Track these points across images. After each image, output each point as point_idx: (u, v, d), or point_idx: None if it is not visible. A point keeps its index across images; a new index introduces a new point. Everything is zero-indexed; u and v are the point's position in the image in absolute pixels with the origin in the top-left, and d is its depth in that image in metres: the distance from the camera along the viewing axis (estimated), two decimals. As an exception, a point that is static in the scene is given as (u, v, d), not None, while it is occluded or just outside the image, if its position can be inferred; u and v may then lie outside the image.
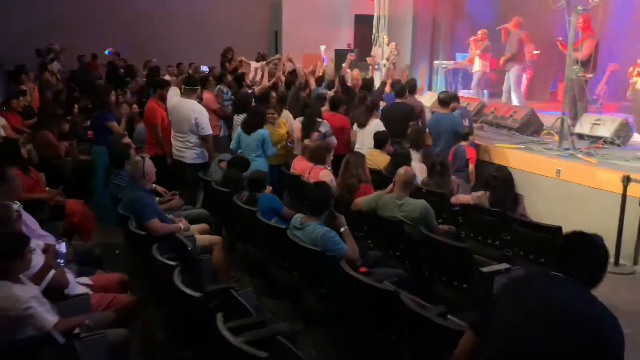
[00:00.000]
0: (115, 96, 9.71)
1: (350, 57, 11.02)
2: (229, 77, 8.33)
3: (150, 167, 4.46)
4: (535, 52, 11.75)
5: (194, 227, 4.64)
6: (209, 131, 6.07)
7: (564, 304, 2.07)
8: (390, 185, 4.57)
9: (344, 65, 10.46)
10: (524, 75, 11.14)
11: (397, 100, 7.09)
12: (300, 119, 6.46)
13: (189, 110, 6.02)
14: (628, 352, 3.94)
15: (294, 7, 16.49)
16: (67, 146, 6.94)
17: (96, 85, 9.11)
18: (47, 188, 5.16)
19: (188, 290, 2.90)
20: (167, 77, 12.34)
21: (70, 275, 3.30)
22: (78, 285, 3.37)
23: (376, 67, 13.21)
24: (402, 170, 4.52)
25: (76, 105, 8.84)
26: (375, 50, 14.15)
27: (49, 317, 2.69)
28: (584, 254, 2.24)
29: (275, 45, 17.52)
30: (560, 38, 8.09)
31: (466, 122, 6.85)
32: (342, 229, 3.81)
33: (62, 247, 3.27)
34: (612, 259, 5.61)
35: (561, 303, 2.08)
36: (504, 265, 3.94)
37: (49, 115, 7.78)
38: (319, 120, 6.37)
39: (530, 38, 11.14)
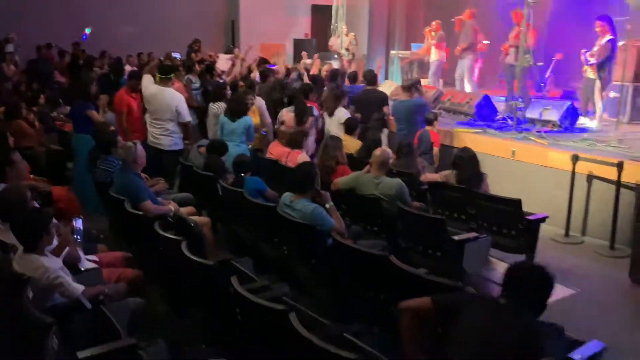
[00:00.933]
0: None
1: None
2: (197, 67, 8.53)
3: (141, 152, 4.69)
4: (485, 42, 12.35)
5: (182, 209, 4.89)
6: (189, 118, 6.30)
7: (493, 334, 2.33)
8: (367, 167, 4.95)
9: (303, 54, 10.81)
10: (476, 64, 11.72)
11: (369, 87, 7.49)
12: (291, 108, 6.72)
13: (170, 97, 6.21)
14: (578, 308, 4.51)
15: (250, -2, 16.63)
16: (42, 135, 7.01)
17: (79, 76, 9.16)
18: (32, 176, 5.29)
19: (201, 260, 3.19)
20: (127, 67, 12.41)
21: (80, 252, 3.52)
22: (86, 261, 3.60)
23: (335, 56, 13.61)
24: (378, 151, 4.90)
25: (42, 96, 8.82)
26: (334, 41, 14.50)
27: (76, 285, 2.94)
28: (528, 284, 2.40)
29: (233, 35, 17.61)
30: None
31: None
32: (327, 205, 4.16)
33: (79, 224, 3.48)
34: (563, 231, 6.20)
35: (491, 333, 2.34)
36: (472, 234, 4.41)
37: (16, 105, 7.77)
38: (308, 106, 6.71)
39: (479, 28, 11.75)
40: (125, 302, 3.03)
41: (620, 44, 9.04)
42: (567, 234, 6.18)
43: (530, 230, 4.81)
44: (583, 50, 8.08)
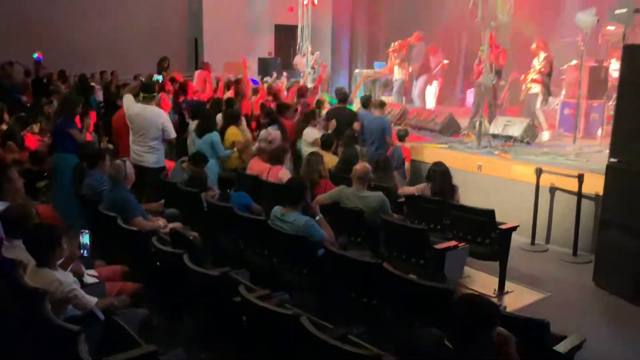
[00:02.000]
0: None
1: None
2: (169, 86, 8.64)
3: (130, 169, 4.79)
4: (445, 61, 12.87)
5: (171, 225, 4.99)
6: (174, 134, 6.41)
7: None
8: None
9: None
10: (435, 83, 12.22)
11: (339, 105, 7.77)
12: (276, 126, 6.91)
13: (155, 115, 6.30)
14: (549, 310, 4.82)
15: (215, 16, 16.77)
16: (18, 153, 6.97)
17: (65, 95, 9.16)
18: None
19: (206, 271, 3.34)
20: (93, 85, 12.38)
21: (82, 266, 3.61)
22: (87, 276, 3.68)
23: (300, 75, 13.90)
24: (358, 166, 5.15)
25: (6, 115, 8.73)
26: (299, 59, 14.80)
27: (90, 297, 3.04)
28: (466, 319, 2.38)
29: (196, 52, 17.70)
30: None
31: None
32: (317, 217, 4.37)
33: (86, 239, 3.56)
34: (529, 240, 6.57)
35: None
36: (453, 243, 4.69)
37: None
38: (274, 127, 6.92)
39: (437, 49, 12.30)
40: (134, 312, 3.14)
41: (573, 63, 9.68)
42: (533, 243, 6.55)
43: (503, 238, 5.13)
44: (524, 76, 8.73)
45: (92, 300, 3.05)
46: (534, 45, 8.51)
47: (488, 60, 8.82)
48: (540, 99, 8.72)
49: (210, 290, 3.42)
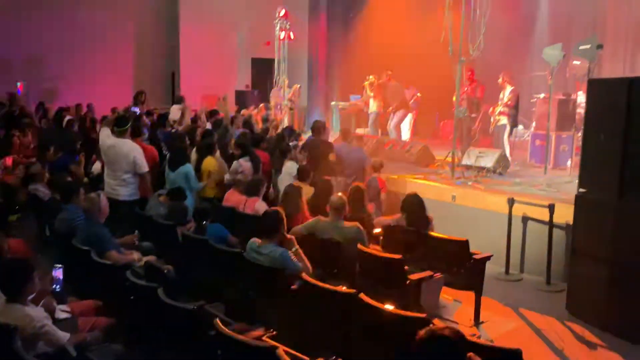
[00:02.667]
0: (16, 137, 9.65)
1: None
2: (145, 119, 8.66)
3: (104, 202, 4.77)
4: (418, 94, 13.13)
5: (145, 258, 4.95)
6: (146, 168, 6.39)
7: None
8: None
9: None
10: (410, 115, 12.44)
11: (317, 137, 7.86)
12: (247, 158, 6.94)
13: (127, 149, 6.30)
14: (523, 339, 4.88)
15: (192, 50, 16.92)
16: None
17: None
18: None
19: (181, 305, 3.32)
20: (67, 117, 12.31)
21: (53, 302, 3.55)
22: (59, 311, 3.62)
23: (277, 107, 14.03)
24: (334, 197, 5.20)
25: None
26: (275, 92, 14.97)
27: (62, 333, 2.99)
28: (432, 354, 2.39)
29: (172, 86, 17.79)
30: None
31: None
32: (293, 249, 4.38)
33: (59, 273, 3.51)
34: (503, 269, 6.65)
35: None
36: (428, 273, 4.73)
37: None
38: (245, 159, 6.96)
39: (410, 83, 12.61)
40: (108, 348, 3.09)
41: (541, 96, 9.97)
42: (507, 272, 6.63)
43: (477, 268, 5.19)
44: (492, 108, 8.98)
45: (64, 336, 3.00)
46: (500, 79, 8.78)
47: (461, 94, 9.08)
48: (507, 130, 8.94)
49: (185, 324, 3.39)
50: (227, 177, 6.94)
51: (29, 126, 11.08)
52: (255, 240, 4.42)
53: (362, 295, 3.59)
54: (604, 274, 5.18)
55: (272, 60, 17.62)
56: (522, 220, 6.72)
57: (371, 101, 12.52)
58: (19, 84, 13.78)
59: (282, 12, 14.07)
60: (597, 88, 5.29)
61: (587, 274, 5.35)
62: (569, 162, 8.76)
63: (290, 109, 13.40)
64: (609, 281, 5.16)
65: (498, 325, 5.22)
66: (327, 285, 3.87)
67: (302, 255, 4.39)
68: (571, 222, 6.15)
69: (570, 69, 9.19)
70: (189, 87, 16.91)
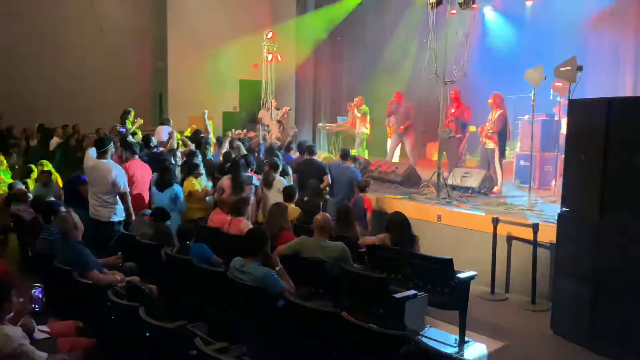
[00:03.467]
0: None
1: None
2: (132, 138, 8.65)
3: (77, 218, 4.73)
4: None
5: (128, 279, 4.90)
6: (126, 189, 6.36)
7: None
8: None
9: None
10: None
11: (308, 157, 7.89)
12: (229, 176, 6.93)
13: (106, 170, 6.29)
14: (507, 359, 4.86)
15: (179, 72, 17.00)
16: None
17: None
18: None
19: (162, 324, 3.29)
20: (55, 139, 12.30)
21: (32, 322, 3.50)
22: (38, 331, 3.57)
23: (266, 128, 14.07)
24: (319, 216, 5.20)
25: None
26: (263, 113, 15.03)
27: (40, 353, 2.94)
28: None
29: (160, 106, 17.82)
30: None
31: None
32: (277, 268, 4.37)
33: (39, 293, 3.46)
34: (489, 289, 6.66)
35: None
36: (412, 292, 4.72)
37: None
38: (248, 175, 6.96)
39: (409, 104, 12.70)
40: (88, 368, 3.05)
41: (525, 117, 10.10)
42: (492, 292, 6.64)
43: (461, 287, 5.19)
44: (480, 128, 9.07)
45: (42, 356, 2.95)
46: (490, 100, 8.87)
47: (448, 115, 9.18)
48: (496, 154, 8.98)
49: (166, 343, 3.35)
50: (209, 198, 6.94)
51: (16, 147, 11.08)
52: (238, 260, 4.41)
53: (344, 314, 3.57)
54: (586, 292, 5.20)
55: (259, 82, 17.80)
56: (507, 239, 6.76)
57: (358, 123, 12.59)
58: None
59: (269, 35, 14.21)
60: (577, 108, 5.37)
61: (571, 293, 5.37)
62: (553, 182, 8.86)
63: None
64: (592, 299, 5.18)
65: (483, 346, 5.20)
66: (309, 305, 3.85)
67: (285, 274, 4.38)
68: (554, 242, 6.21)
69: (554, 90, 9.33)
70: (176, 108, 16.97)
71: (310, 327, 3.85)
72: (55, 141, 12.37)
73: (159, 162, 7.04)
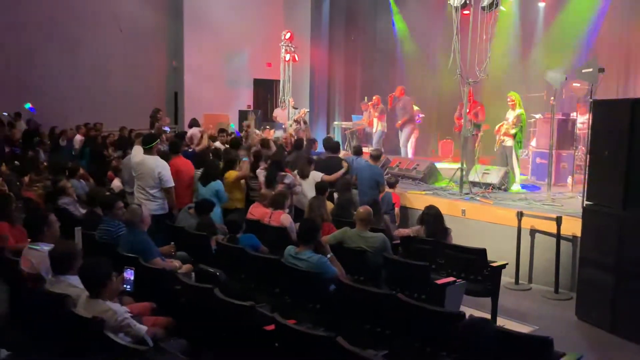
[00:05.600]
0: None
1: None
2: (164, 137, 9.04)
3: (146, 212, 5.09)
4: (421, 115, 13.60)
5: (185, 266, 5.26)
6: (171, 184, 6.71)
7: None
8: None
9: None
10: (413, 134, 12.87)
11: (331, 154, 8.25)
12: (264, 173, 7.30)
13: (153, 165, 6.64)
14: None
15: (195, 71, 17.34)
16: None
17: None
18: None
19: (240, 302, 3.64)
20: (78, 137, 12.67)
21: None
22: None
23: (283, 126, 14.43)
24: (361, 209, 5.55)
25: (4, 164, 8.91)
26: (279, 112, 15.39)
27: (140, 325, 3.29)
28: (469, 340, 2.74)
29: (175, 105, 18.17)
30: None
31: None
32: (328, 255, 4.73)
33: (131, 275, 3.80)
34: (513, 279, 7.00)
35: None
36: (451, 278, 5.07)
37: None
38: (283, 173, 7.33)
39: (413, 102, 13.05)
40: (175, 342, 3.40)
41: (537, 116, 10.45)
42: (516, 282, 6.99)
43: (494, 276, 5.55)
44: (497, 126, 9.41)
45: (143, 328, 3.30)
46: (509, 101, 9.18)
47: (467, 114, 9.50)
48: (514, 151, 9.31)
49: (241, 320, 3.70)
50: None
51: (42, 144, 11.41)
52: (292, 247, 4.76)
53: (400, 296, 3.92)
54: (610, 280, 5.55)
55: (272, 81, 18.17)
56: (530, 232, 7.10)
57: (375, 121, 12.94)
58: (28, 105, 14.09)
59: (288, 35, 14.55)
60: (602, 108, 5.72)
61: (595, 281, 5.72)
62: (569, 179, 9.20)
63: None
64: (615, 287, 5.53)
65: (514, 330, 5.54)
66: (366, 287, 4.20)
67: (336, 261, 4.73)
68: (576, 234, 6.57)
69: (571, 90, 9.64)
70: (191, 106, 17.34)
71: (365, 308, 4.19)
72: (79, 139, 12.73)
73: (201, 158, 7.40)
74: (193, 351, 3.64)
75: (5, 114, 13.23)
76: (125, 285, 3.74)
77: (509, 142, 9.19)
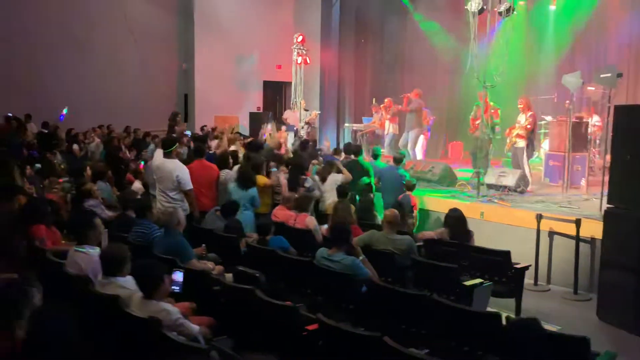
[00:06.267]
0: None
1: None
2: (184, 140, 9.19)
3: (182, 215, 5.22)
4: (432, 117, 13.72)
5: (218, 267, 5.39)
6: (189, 186, 6.83)
7: None
8: None
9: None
10: (422, 137, 12.99)
11: (353, 158, 8.39)
12: (286, 176, 7.45)
13: (172, 168, 6.76)
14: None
15: (205, 74, 17.47)
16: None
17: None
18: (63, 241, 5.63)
19: (281, 303, 3.77)
20: (96, 139, 12.81)
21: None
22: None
23: (294, 128, 14.55)
24: (388, 212, 5.69)
25: (28, 167, 9.03)
26: (289, 114, 15.49)
27: (193, 325, 3.42)
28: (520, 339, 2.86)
29: (185, 107, 18.31)
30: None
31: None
32: (360, 257, 4.85)
33: (179, 276, 3.93)
34: (532, 281, 7.12)
35: None
36: (479, 280, 5.19)
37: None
38: (303, 177, 7.46)
39: (424, 104, 13.18)
40: (223, 340, 3.52)
41: (547, 119, 10.57)
42: (535, 283, 7.11)
43: (517, 277, 5.67)
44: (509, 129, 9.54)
45: (195, 327, 3.43)
46: (520, 104, 9.31)
47: (478, 117, 9.64)
48: (525, 152, 9.45)
49: (284, 320, 3.82)
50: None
51: (58, 147, 11.55)
52: (324, 250, 4.89)
53: (434, 296, 4.04)
54: (632, 282, 5.66)
55: (282, 83, 18.31)
56: (549, 234, 7.22)
57: (387, 123, 13.07)
58: (66, 110, 14.28)
59: (300, 38, 14.68)
60: (624, 113, 5.84)
61: (617, 283, 5.83)
62: (582, 181, 9.32)
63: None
64: (637, 288, 5.64)
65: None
66: (398, 288, 4.32)
67: (368, 263, 4.86)
68: (595, 236, 6.70)
69: (584, 94, 9.76)
70: (202, 108, 17.51)
71: (399, 309, 4.31)
72: (96, 142, 12.86)
73: (220, 163, 7.55)
74: (239, 350, 3.75)
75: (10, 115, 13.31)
76: (174, 287, 3.87)
77: (521, 143, 9.30)
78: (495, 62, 8.25)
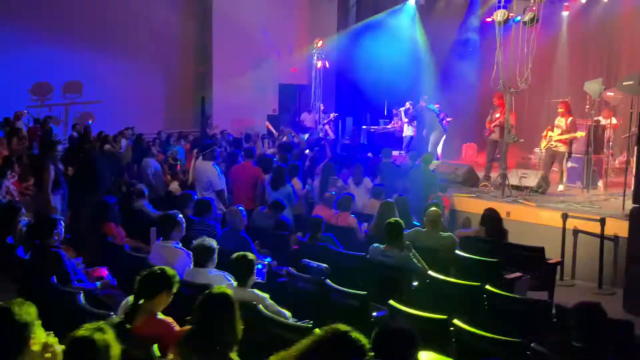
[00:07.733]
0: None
1: None
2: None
3: (244, 213, 5.65)
4: (449, 119, 14.13)
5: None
6: (219, 187, 7.35)
7: None
8: None
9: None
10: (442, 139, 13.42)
11: (387, 160, 8.83)
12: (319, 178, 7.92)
13: (203, 170, 7.41)
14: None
15: (223, 77, 17.82)
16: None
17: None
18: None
19: (350, 290, 4.19)
20: (123, 141, 13.19)
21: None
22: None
23: (312, 130, 14.97)
24: (431, 211, 6.10)
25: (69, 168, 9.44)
26: (306, 116, 15.90)
27: (282, 310, 3.84)
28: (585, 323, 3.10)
29: (202, 110, 18.67)
30: None
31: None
32: (411, 253, 5.26)
33: (264, 267, 4.36)
34: (558, 276, 7.52)
35: None
36: (518, 274, 5.61)
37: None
38: (334, 178, 7.88)
39: (440, 106, 13.61)
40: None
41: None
42: (561, 279, 7.51)
43: (550, 271, 6.09)
44: (547, 131, 9.88)
45: (285, 312, 3.85)
46: (560, 108, 9.55)
47: (494, 120, 10.02)
48: (566, 157, 9.76)
49: (353, 307, 4.24)
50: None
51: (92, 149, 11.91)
52: (378, 246, 5.31)
53: (488, 287, 4.45)
54: (657, 276, 6.08)
55: (297, 86, 18.69)
56: (573, 233, 7.63)
57: (405, 126, 13.48)
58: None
59: (320, 43, 15.08)
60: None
61: (643, 277, 6.26)
62: (599, 183, 9.75)
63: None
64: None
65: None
66: (452, 280, 4.74)
67: (419, 258, 5.27)
68: (619, 234, 7.12)
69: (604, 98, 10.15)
70: (219, 110, 17.87)
71: (453, 299, 4.72)
72: (124, 144, 13.24)
73: (267, 163, 7.97)
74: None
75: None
76: (257, 277, 4.28)
77: (562, 147, 9.57)
78: (515, 68, 8.62)
